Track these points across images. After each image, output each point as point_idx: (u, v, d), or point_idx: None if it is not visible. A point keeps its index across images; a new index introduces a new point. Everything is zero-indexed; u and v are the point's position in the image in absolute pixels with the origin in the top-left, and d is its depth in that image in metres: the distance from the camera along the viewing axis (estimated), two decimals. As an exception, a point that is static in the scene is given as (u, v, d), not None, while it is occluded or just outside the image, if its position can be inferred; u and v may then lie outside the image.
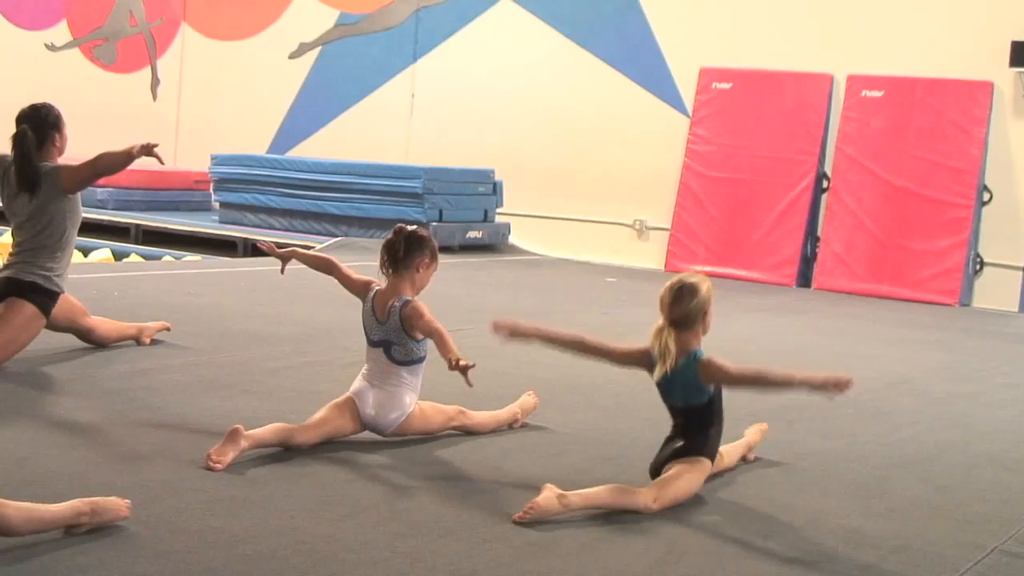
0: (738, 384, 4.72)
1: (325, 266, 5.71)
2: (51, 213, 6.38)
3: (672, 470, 4.67)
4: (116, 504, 3.94)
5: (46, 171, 6.41)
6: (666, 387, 4.75)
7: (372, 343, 5.32)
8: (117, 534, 3.87)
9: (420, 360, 5.33)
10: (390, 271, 5.33)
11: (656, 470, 4.75)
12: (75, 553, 3.69)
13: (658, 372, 4.70)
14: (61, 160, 6.63)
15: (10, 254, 6.48)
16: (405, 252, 5.30)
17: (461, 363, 4.81)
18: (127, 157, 6.36)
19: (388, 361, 5.27)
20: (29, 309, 6.31)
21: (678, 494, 4.60)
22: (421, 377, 5.38)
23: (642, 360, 4.79)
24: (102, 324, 6.92)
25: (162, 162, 6.64)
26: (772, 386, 4.82)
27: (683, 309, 4.66)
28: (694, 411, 4.75)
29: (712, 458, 4.80)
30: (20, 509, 3.70)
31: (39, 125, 6.53)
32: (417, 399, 5.37)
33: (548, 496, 4.30)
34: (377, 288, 5.37)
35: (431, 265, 5.40)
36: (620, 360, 4.91)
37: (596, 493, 4.44)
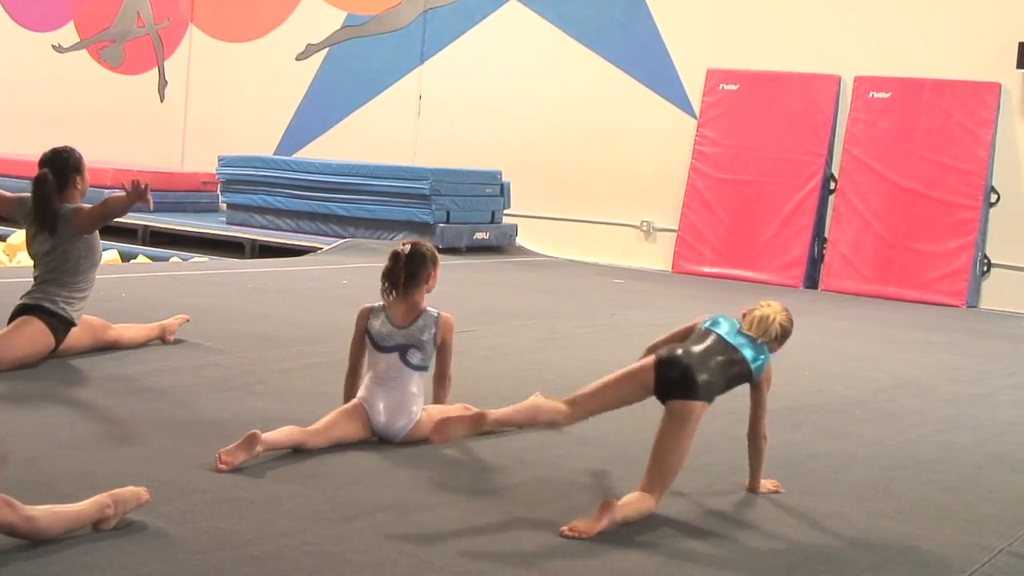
0: None
1: None
2: (67, 251, 6.55)
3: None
4: (135, 492, 3.98)
5: (63, 213, 6.57)
6: None
7: (384, 349, 5.33)
8: (125, 534, 3.88)
9: (427, 369, 5.41)
10: (395, 295, 5.39)
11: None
12: (82, 553, 3.69)
13: None
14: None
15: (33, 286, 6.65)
16: (409, 276, 5.38)
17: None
18: (129, 200, 6.48)
19: (402, 365, 5.31)
20: (37, 324, 6.43)
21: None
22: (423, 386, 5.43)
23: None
24: (125, 332, 7.02)
25: (151, 207, 6.69)
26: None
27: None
28: None
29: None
30: (46, 512, 3.72)
31: (61, 169, 6.67)
32: (423, 405, 5.39)
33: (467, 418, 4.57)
34: (384, 305, 5.42)
35: (436, 270, 5.48)
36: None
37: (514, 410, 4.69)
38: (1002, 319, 12.33)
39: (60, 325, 6.50)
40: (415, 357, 5.33)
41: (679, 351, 4.61)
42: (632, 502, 4.43)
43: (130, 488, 3.99)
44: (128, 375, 6.39)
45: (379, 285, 5.46)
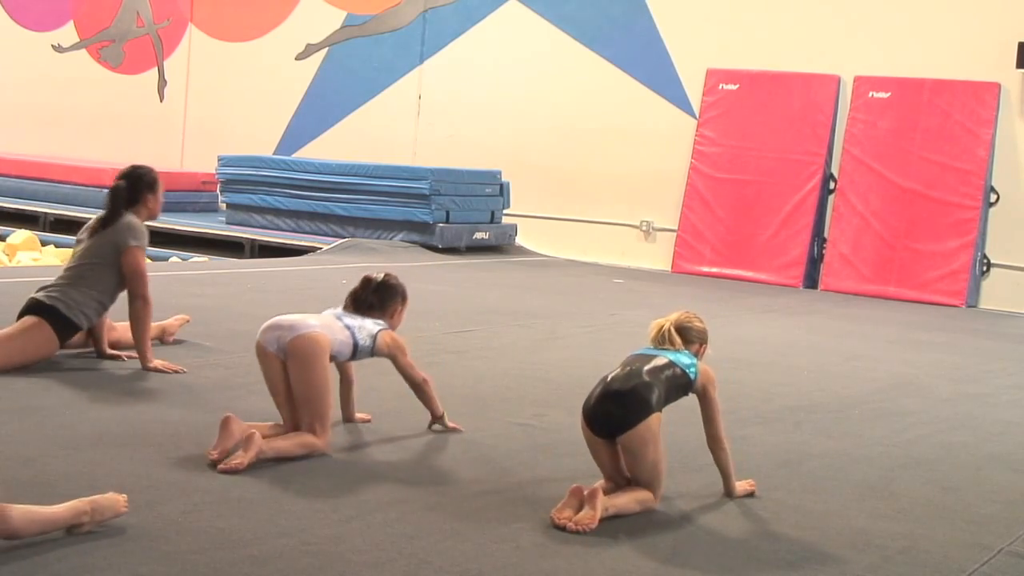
0: None
1: None
2: (104, 255, 6.55)
3: None
4: (114, 500, 3.95)
5: (125, 221, 6.60)
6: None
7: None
8: (123, 534, 3.88)
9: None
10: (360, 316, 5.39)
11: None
12: (81, 553, 3.69)
13: None
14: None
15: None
16: (379, 302, 5.43)
17: (450, 425, 5.48)
18: (141, 357, 6.55)
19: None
20: (46, 331, 6.41)
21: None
22: None
23: None
24: (126, 333, 6.98)
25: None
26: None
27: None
28: None
29: None
30: (22, 511, 3.71)
31: (135, 183, 6.73)
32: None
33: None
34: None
35: (403, 309, 5.54)
36: None
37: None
38: (1001, 319, 12.33)
39: (69, 331, 6.49)
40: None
41: (597, 390, 4.59)
42: (624, 494, 4.45)
43: (110, 495, 3.97)
44: (128, 375, 6.38)
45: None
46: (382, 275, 5.53)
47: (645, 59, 15.29)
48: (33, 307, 6.49)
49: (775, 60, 14.40)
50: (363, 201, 14.47)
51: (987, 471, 5.66)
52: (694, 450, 5.56)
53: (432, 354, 7.60)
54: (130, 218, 6.63)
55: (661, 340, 4.72)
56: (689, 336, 4.78)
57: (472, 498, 4.60)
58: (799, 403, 6.88)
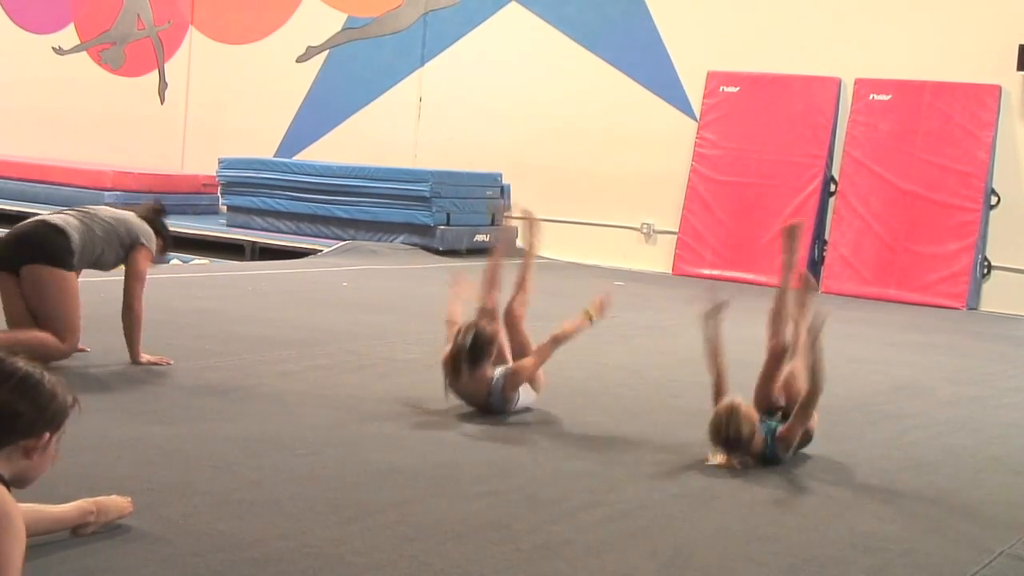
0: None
1: None
2: (118, 235, 6.67)
3: None
4: (120, 502, 3.96)
5: (143, 225, 6.79)
6: None
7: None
8: (124, 536, 3.88)
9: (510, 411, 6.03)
10: (460, 379, 5.94)
11: None
12: (82, 555, 3.69)
13: None
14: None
15: None
16: (473, 361, 5.89)
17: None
18: (133, 353, 6.67)
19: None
20: (56, 272, 6.47)
21: None
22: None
23: None
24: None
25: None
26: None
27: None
28: None
29: None
30: (29, 510, 3.70)
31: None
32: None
33: None
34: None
35: (495, 347, 6.05)
36: None
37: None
38: (1002, 321, 12.33)
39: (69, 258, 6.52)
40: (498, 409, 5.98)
41: None
42: None
43: (115, 497, 3.97)
44: (127, 376, 6.38)
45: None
46: (470, 334, 5.92)
47: (645, 61, 15.29)
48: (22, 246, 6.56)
49: (776, 62, 14.41)
50: (364, 203, 14.48)
51: (988, 473, 5.66)
52: (696, 453, 5.57)
53: (433, 356, 7.59)
54: (143, 228, 6.74)
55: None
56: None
57: (472, 498, 4.60)
58: (800, 405, 6.86)
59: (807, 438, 5.47)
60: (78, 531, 3.83)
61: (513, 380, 5.97)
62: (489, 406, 5.96)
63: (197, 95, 18.72)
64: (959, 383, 8.21)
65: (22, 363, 3.29)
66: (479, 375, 5.91)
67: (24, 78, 19.75)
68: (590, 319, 6.31)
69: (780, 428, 5.30)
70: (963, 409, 7.25)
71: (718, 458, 5.22)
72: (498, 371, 5.97)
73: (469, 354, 5.84)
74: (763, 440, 5.26)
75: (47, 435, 3.32)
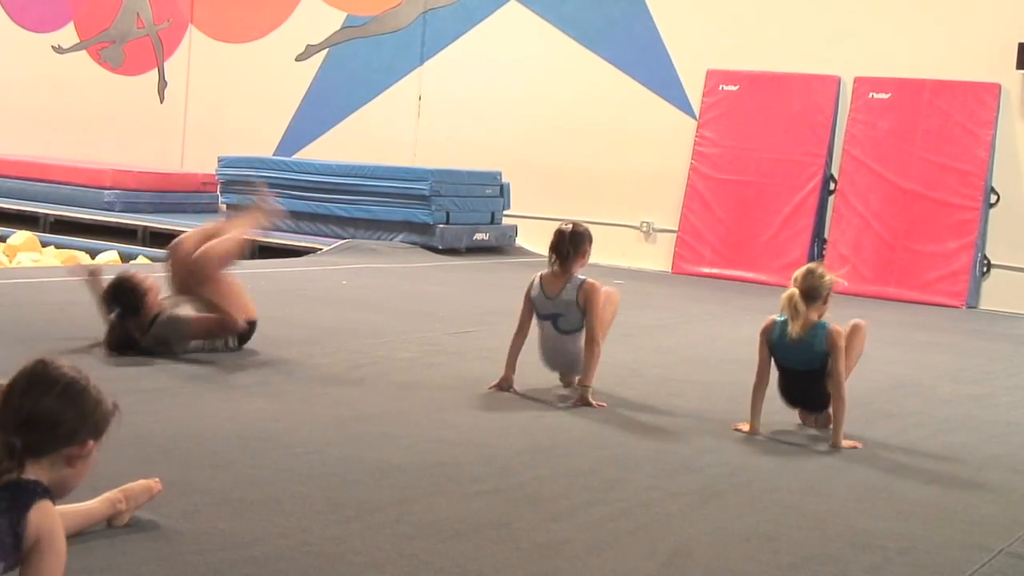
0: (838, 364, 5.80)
1: None
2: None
3: None
4: (148, 484, 4.00)
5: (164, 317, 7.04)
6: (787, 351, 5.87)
7: (541, 316, 6.48)
8: (123, 535, 3.88)
9: (579, 330, 6.39)
10: (559, 266, 6.48)
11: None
12: (81, 554, 3.69)
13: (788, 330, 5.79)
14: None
15: None
16: (573, 250, 6.48)
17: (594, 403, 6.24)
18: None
19: (556, 332, 6.42)
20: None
21: None
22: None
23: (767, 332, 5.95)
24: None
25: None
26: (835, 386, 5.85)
27: (810, 283, 5.81)
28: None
29: None
30: (60, 510, 3.70)
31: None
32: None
33: None
34: (541, 273, 6.57)
35: (590, 248, 6.62)
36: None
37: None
38: (1002, 320, 12.33)
39: None
40: (564, 323, 6.38)
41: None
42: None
43: (141, 481, 4.00)
44: (127, 375, 6.38)
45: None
46: (570, 225, 6.59)
47: (645, 60, 15.29)
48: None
49: (775, 61, 14.40)
50: (363, 202, 14.47)
51: (987, 472, 5.66)
52: (695, 451, 5.57)
53: (432, 355, 7.61)
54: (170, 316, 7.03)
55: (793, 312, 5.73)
56: (819, 293, 5.83)
57: (472, 497, 4.60)
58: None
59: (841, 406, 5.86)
60: (112, 522, 3.85)
61: (588, 290, 6.40)
62: (556, 309, 6.40)
63: (196, 94, 18.72)
64: (958, 381, 8.21)
65: (67, 369, 3.23)
66: (570, 270, 6.47)
67: (23, 77, 19.75)
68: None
69: (834, 329, 5.85)
70: (962, 407, 7.25)
71: (745, 426, 5.82)
72: (578, 275, 6.48)
73: (571, 242, 6.46)
74: (818, 325, 5.85)
75: (91, 443, 3.25)
